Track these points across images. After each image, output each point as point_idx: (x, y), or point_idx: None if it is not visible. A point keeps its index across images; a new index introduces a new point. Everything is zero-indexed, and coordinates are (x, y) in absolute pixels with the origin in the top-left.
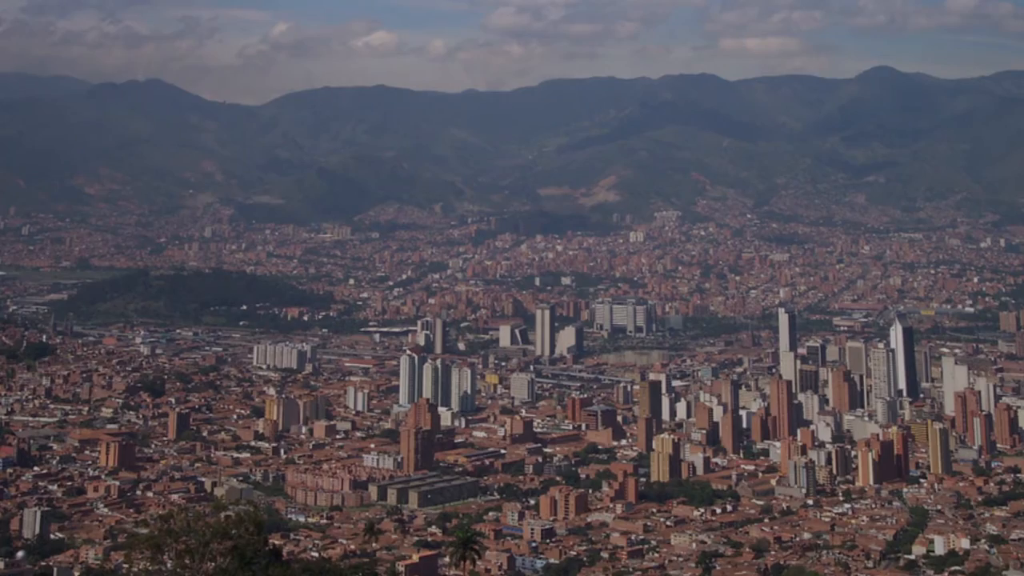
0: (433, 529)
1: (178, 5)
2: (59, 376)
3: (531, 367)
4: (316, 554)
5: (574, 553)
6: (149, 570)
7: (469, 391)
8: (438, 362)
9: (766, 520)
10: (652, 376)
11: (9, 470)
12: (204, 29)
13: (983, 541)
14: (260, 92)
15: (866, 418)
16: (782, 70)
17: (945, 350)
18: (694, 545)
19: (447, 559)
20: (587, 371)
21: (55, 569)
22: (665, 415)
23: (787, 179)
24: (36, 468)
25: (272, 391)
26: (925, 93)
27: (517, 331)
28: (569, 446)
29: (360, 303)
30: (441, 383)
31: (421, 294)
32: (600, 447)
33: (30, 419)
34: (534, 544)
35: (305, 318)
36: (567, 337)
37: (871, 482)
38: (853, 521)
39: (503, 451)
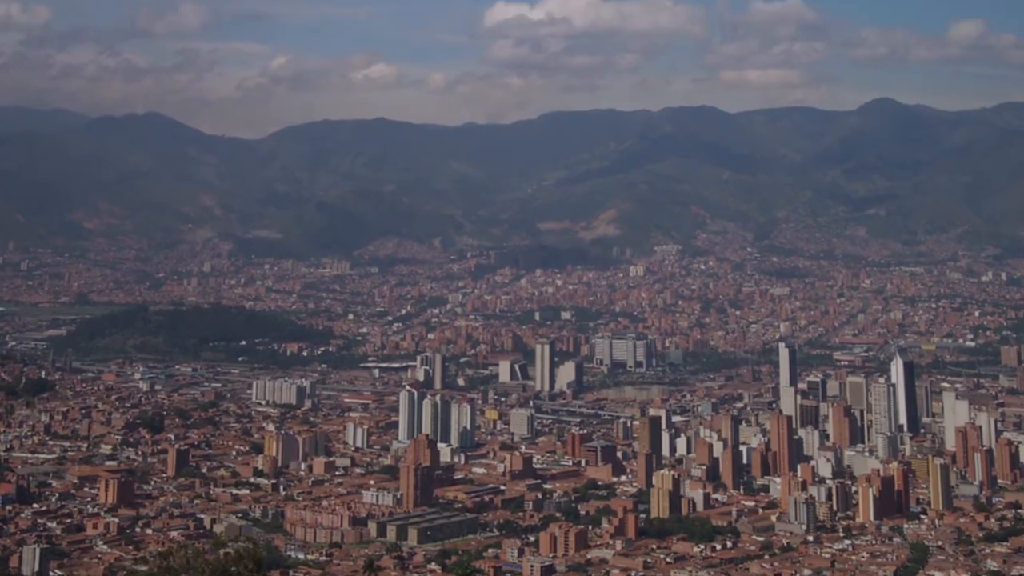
0: (433, 566)
1: (177, 38)
2: (58, 412)
3: (531, 402)
4: None
5: None
6: None
7: (469, 427)
8: (437, 398)
9: (766, 556)
10: (652, 411)
11: (8, 507)
12: (203, 62)
13: None
14: (259, 125)
15: (867, 453)
16: (782, 102)
17: (946, 385)
18: None
19: None
20: (587, 406)
21: None
22: (665, 451)
23: (787, 212)
24: (35, 505)
25: (271, 427)
26: (926, 125)
27: (517, 366)
28: (569, 482)
29: (359, 338)
30: (440, 419)
31: (420, 329)
32: (600, 483)
33: (29, 456)
34: None
35: (304, 353)
36: (567, 372)
37: (871, 518)
38: (853, 557)
39: (503, 487)
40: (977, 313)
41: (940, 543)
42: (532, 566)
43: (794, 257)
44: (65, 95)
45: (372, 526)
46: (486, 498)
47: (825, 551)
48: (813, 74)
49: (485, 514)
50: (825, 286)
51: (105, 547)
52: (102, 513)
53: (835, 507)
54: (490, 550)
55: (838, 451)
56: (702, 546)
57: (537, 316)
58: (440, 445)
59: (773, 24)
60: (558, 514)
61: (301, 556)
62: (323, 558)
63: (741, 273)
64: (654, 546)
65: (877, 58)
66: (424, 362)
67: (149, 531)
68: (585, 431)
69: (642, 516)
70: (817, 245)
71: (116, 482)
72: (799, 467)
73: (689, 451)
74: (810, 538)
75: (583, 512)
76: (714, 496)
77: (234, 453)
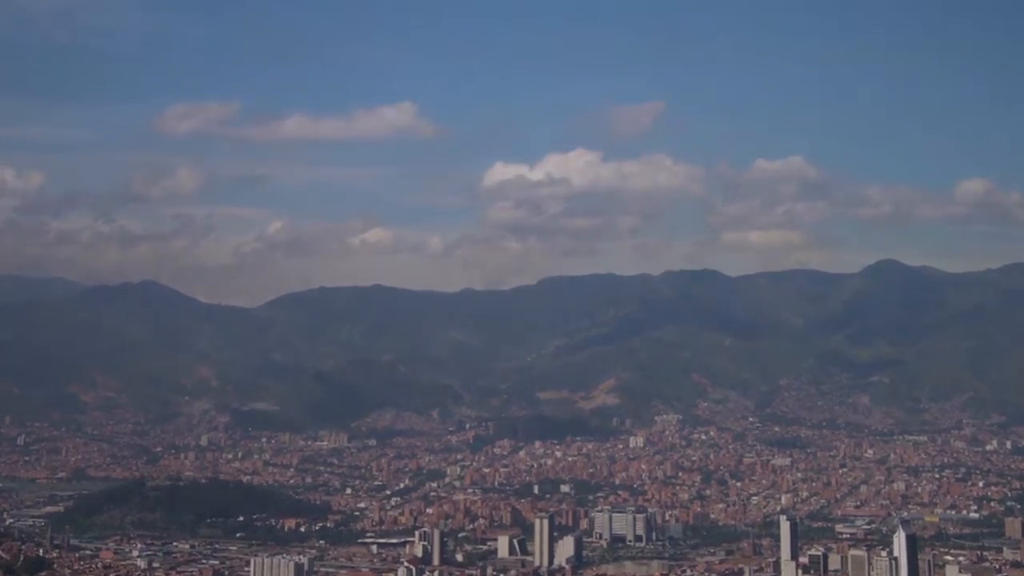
0: None
1: (172, 203)
2: None
3: None
4: None
5: None
6: None
7: None
8: (436, 574)
9: None
10: None
11: None
12: (199, 227)
13: None
14: (256, 293)
15: None
16: (785, 264)
17: (949, 558)
18: None
19: None
20: None
21: None
22: None
23: (790, 380)
24: None
25: None
26: (931, 287)
27: (515, 541)
28: None
29: (357, 513)
30: None
31: (419, 503)
32: None
33: None
34: None
35: (302, 529)
36: (566, 547)
37: None
38: None
39: None
40: (981, 483)
41: None
42: None
43: (796, 426)
44: (60, 262)
45: None
46: None
47: None
48: (816, 235)
49: None
50: (827, 456)
51: None
52: None
53: None
54: None
55: None
56: None
57: (536, 489)
58: None
59: (775, 182)
60: None
61: None
62: None
63: (742, 443)
64: None
65: (881, 217)
66: (422, 537)
67: None
68: None
69: None
70: (819, 414)
71: None
72: None
73: None
74: None
75: None
76: None
77: None
